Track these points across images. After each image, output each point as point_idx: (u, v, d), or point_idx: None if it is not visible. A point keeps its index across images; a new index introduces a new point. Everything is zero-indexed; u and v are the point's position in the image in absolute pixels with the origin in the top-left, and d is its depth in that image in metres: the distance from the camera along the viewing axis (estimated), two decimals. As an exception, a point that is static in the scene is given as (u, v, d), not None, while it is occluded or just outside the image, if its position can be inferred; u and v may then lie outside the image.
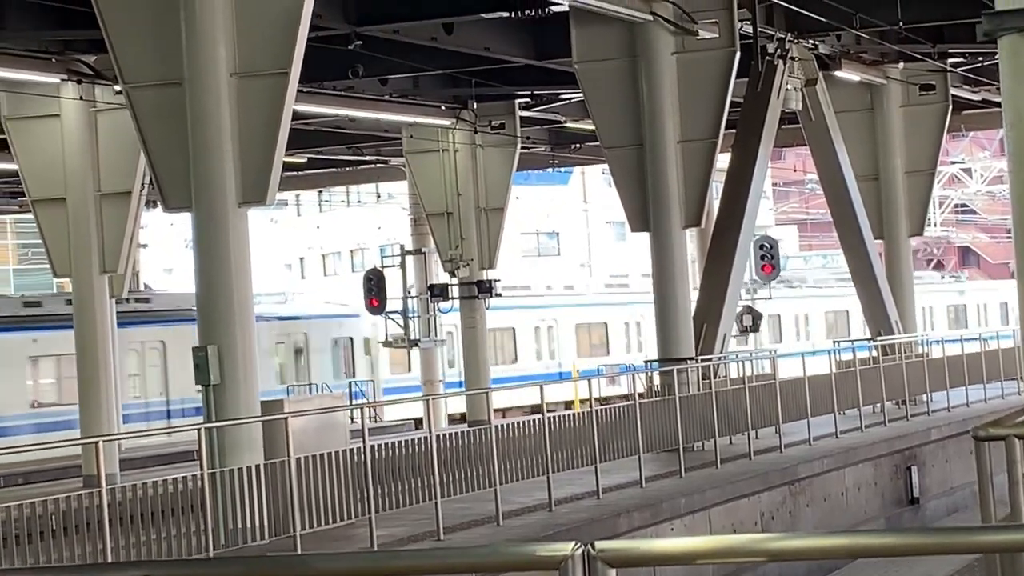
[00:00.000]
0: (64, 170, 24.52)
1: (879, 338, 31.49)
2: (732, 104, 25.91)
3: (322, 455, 15.51)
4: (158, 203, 22.94)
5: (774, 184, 78.43)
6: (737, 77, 25.50)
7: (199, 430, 14.42)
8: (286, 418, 15.32)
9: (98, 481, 12.77)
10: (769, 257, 37.71)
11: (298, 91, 17.87)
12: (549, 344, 49.99)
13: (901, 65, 32.93)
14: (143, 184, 24.86)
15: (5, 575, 5.89)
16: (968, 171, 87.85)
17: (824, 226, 73.25)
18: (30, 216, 28.49)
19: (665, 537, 16.99)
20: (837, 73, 31.05)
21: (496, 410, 32.12)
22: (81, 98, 24.24)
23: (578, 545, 3.97)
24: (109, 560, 12.09)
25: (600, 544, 3.98)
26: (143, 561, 4.86)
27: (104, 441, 13.67)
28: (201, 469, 13.90)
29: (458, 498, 17.24)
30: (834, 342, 34.43)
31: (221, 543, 14.15)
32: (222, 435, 16.54)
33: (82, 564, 10.20)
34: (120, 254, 24.69)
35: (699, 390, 23.98)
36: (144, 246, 47.94)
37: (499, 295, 35.15)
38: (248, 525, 14.48)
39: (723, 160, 28.34)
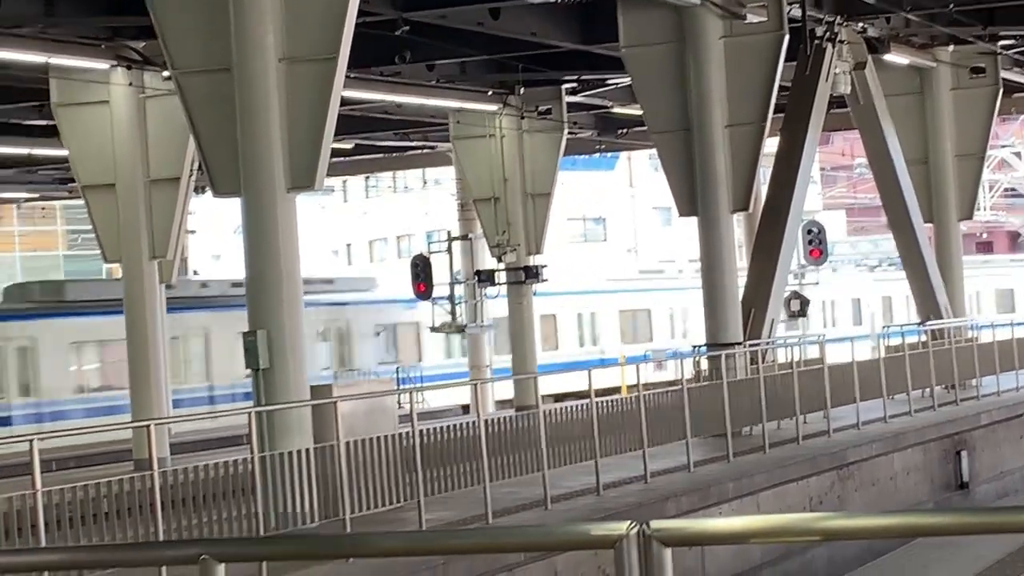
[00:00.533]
0: (113, 156, 24.62)
1: (928, 322, 31.36)
2: (780, 88, 25.83)
3: (371, 439, 15.56)
4: (207, 189, 23.06)
5: (822, 168, 78.08)
6: (785, 61, 25.41)
7: (249, 414, 14.48)
8: (335, 402, 15.36)
9: (150, 464, 12.85)
10: (817, 242, 37.56)
11: (345, 77, 17.91)
12: (592, 330, 49.90)
13: (951, 48, 32.73)
14: (192, 170, 24.95)
15: (67, 552, 5.93)
16: (1018, 154, 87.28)
17: (872, 210, 72.93)
18: (80, 202, 28.63)
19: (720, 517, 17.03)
20: (886, 56, 30.89)
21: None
22: (130, 84, 24.34)
23: (634, 524, 3.98)
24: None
25: (655, 523, 3.99)
26: (199, 540, 4.90)
27: (155, 425, 13.74)
28: (251, 453, 13.96)
29: (506, 482, 17.27)
30: (883, 327, 34.29)
31: (272, 526, 14.21)
32: (271, 419, 16.62)
33: (139, 542, 10.27)
34: (169, 240, 24.79)
35: (747, 375, 23.94)
36: (193, 232, 48.14)
37: (545, 280, 35.13)
38: (298, 508, 14.54)
39: (771, 144, 28.23)
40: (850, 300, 58.48)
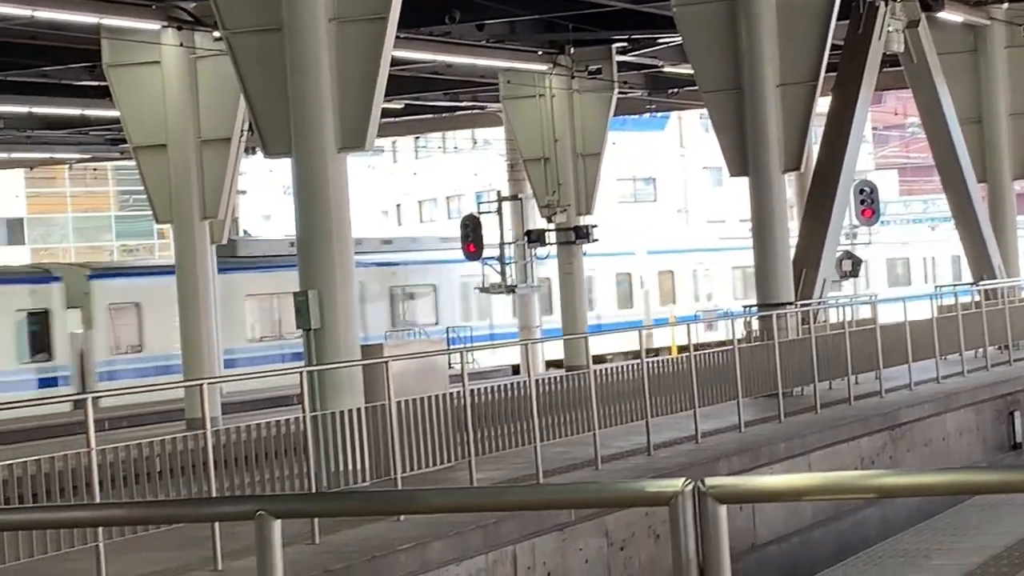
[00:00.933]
0: (165, 117, 24.70)
1: (981, 282, 31.18)
2: (832, 47, 25.65)
3: (422, 399, 15.60)
4: (257, 149, 23.12)
5: (874, 128, 77.67)
6: (838, 19, 25.24)
7: (301, 373, 14.53)
8: (386, 362, 15.40)
9: (203, 423, 12.92)
10: (869, 202, 37.36)
11: (396, 37, 17.90)
12: (630, 292, 49.78)
13: (1005, 5, 32.44)
14: (242, 130, 25.00)
15: (126, 507, 5.98)
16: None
17: (925, 170, 72.48)
18: (132, 163, 28.74)
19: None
20: (939, 14, 30.65)
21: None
22: (181, 45, 24.39)
23: (689, 481, 3.97)
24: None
25: (710, 480, 3.99)
26: (255, 496, 4.92)
27: (208, 384, 13.81)
28: (303, 412, 14.01)
29: (557, 442, 17.29)
30: (935, 287, 34.13)
31: (323, 485, 14.27)
32: (323, 379, 16.68)
33: (196, 498, 10.35)
34: (220, 200, 24.86)
35: (798, 335, 23.87)
36: (243, 192, 48.29)
37: (596, 241, 35.09)
38: (349, 467, 14.59)
39: (823, 104, 28.07)
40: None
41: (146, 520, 5.39)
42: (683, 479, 3.98)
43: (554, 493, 4.19)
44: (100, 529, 11.05)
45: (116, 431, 25.82)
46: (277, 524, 4.17)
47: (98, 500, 11.67)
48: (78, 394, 24.99)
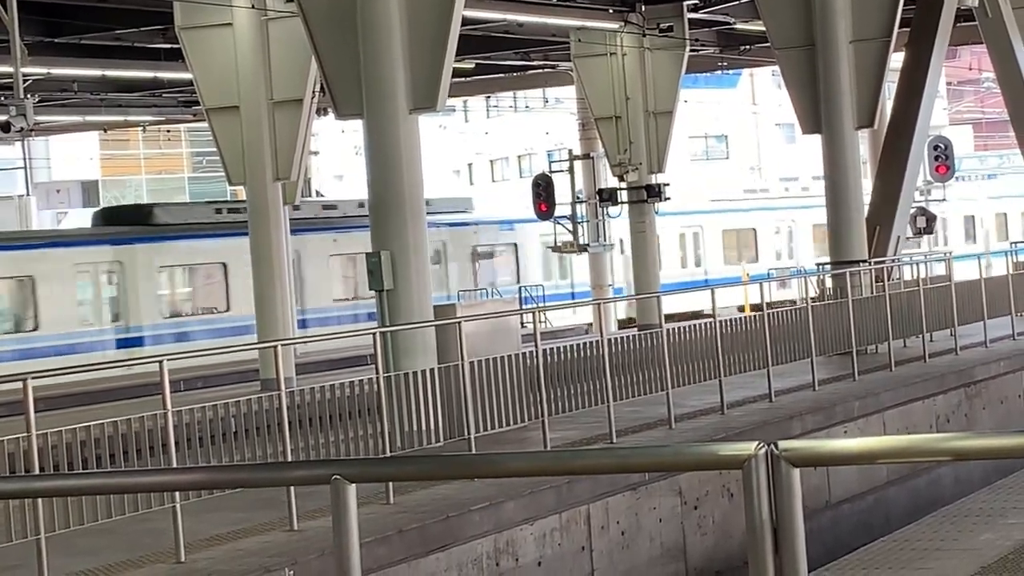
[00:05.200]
0: (237, 78, 24.79)
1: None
2: (906, 2, 25.42)
3: (494, 359, 15.63)
4: (329, 110, 23.15)
5: (948, 83, 76.94)
6: (911, -26, 25.03)
7: (374, 334, 14.59)
8: (459, 322, 15.44)
9: (277, 384, 13.00)
10: (943, 158, 37.08)
11: (467, -4, 17.89)
12: (695, 251, 49.58)
13: (1082, -42, 32.05)
14: (314, 91, 25.07)
15: (204, 471, 6.04)
16: None
17: (1000, 125, 71.76)
18: (204, 125, 28.88)
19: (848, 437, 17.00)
20: (1014, -32, 30.31)
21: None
22: (253, 7, 24.46)
23: (762, 445, 3.97)
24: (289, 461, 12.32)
25: (784, 444, 3.99)
26: (331, 460, 4.97)
27: (282, 345, 13.89)
28: (376, 373, 14.07)
29: (630, 402, 17.30)
30: (1011, 243, 33.83)
31: (397, 445, 14.35)
32: (396, 340, 16.75)
33: (272, 463, 10.42)
34: (292, 161, 24.94)
35: (872, 293, 23.75)
36: (315, 153, 48.43)
37: (668, 199, 34.97)
38: (423, 428, 14.66)
39: (896, 59, 27.84)
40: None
41: (224, 484, 5.44)
42: (756, 442, 3.98)
43: (628, 456, 4.21)
44: (178, 491, 11.16)
45: (192, 391, 26.06)
46: (352, 488, 4.21)
47: (174, 461, 11.78)
48: (153, 357, 25.18)
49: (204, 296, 35.50)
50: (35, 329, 31.99)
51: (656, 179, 34.15)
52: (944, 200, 48.62)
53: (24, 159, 53.72)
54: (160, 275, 34.64)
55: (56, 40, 30.33)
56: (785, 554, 3.96)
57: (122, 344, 33.22)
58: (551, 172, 39.80)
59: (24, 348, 31.28)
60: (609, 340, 16.98)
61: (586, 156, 38.90)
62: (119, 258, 33.52)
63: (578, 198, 38.41)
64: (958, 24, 29.10)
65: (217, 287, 35.31)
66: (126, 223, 34.86)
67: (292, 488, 12.40)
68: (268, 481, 4.61)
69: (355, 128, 18.69)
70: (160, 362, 12.15)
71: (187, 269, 35.18)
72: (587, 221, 37.77)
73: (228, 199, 47.11)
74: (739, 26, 36.33)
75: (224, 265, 34.93)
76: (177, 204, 44.27)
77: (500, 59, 38.57)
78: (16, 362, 29.22)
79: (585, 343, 17.10)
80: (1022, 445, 4.15)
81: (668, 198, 34.87)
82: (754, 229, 51.27)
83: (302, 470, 4.71)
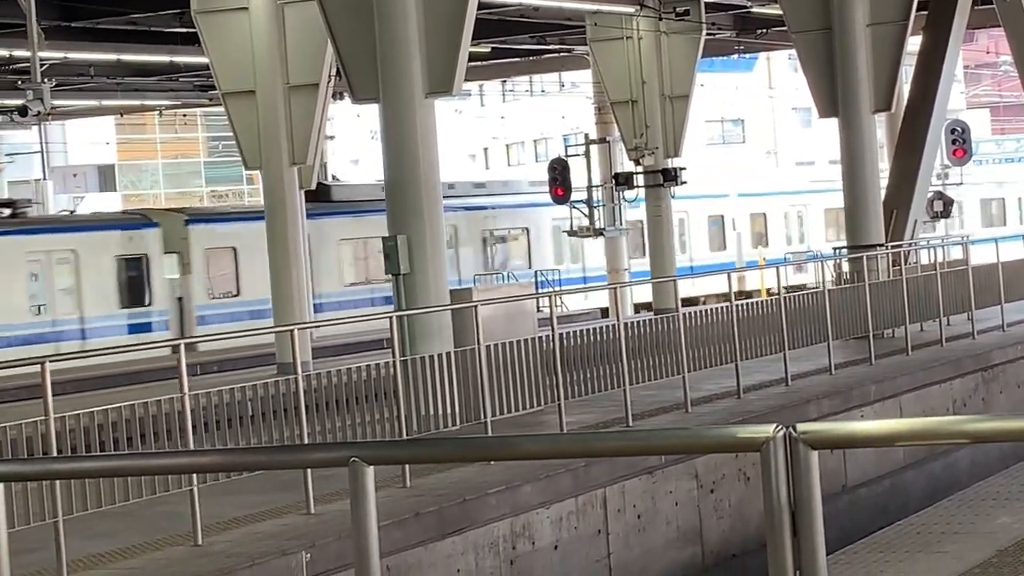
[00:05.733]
0: (253, 63, 24.80)
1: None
2: (923, -15, 25.36)
3: (511, 342, 15.63)
4: (345, 95, 23.16)
5: (966, 67, 76.73)
6: (928, -43, 24.96)
7: (391, 318, 14.60)
8: (475, 306, 15.45)
9: (294, 368, 13.01)
10: (961, 141, 37.00)
11: (483, -20, 17.87)
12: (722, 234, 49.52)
13: (1100, -59, 31.92)
14: (330, 75, 25.06)
15: (222, 454, 6.05)
16: None
17: (1018, 109, 71.61)
18: (220, 109, 28.90)
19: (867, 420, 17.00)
20: (1032, -49, 30.21)
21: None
22: (269, -9, 24.46)
23: (780, 427, 3.97)
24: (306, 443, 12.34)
25: (802, 426, 3.98)
26: (349, 443, 4.98)
27: (299, 329, 13.90)
28: (393, 356, 14.08)
29: (646, 385, 17.29)
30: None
31: (413, 429, 14.37)
32: (412, 324, 16.75)
33: (291, 445, 10.44)
34: (308, 146, 24.95)
35: (889, 277, 23.71)
36: (331, 138, 48.43)
37: (684, 183, 34.94)
38: (439, 411, 14.67)
39: (914, 43, 27.77)
40: None
41: (242, 467, 5.45)
42: (774, 425, 3.98)
43: (645, 439, 4.20)
44: (195, 474, 11.19)
45: (208, 375, 26.10)
46: (370, 471, 4.21)
47: (192, 444, 11.81)
48: (172, 340, 25.24)
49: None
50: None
51: (672, 163, 34.11)
52: (961, 184, 48.54)
53: (41, 143, 53.80)
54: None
55: (72, 24, 30.36)
56: (803, 537, 3.96)
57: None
58: (567, 156, 39.79)
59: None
60: (625, 324, 16.98)
61: (602, 140, 38.87)
62: None
63: (594, 183, 38.39)
64: (975, 7, 29.02)
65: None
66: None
67: (309, 471, 12.42)
68: (286, 463, 4.61)
69: (371, 112, 18.67)
70: (177, 346, 12.16)
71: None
72: (603, 205, 37.75)
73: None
74: (755, 9, 36.27)
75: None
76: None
77: (516, 43, 38.55)
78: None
79: (601, 327, 17.10)
80: (1040, 428, 4.14)
81: (684, 182, 34.84)
82: (764, 214, 51.14)
83: (320, 452, 4.71)
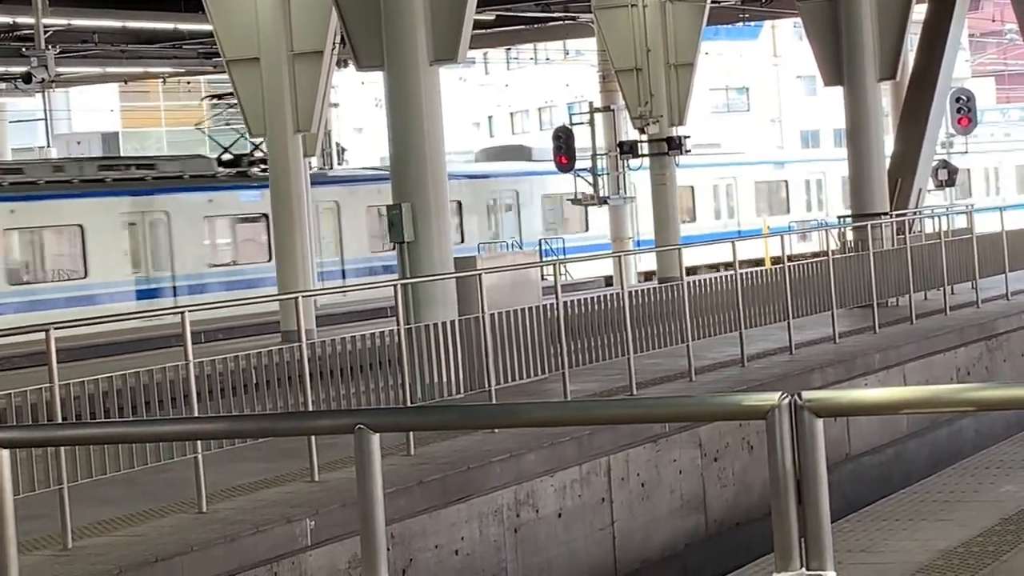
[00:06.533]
0: (257, 30, 24.73)
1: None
2: (929, -47, 25.29)
3: (515, 311, 15.63)
4: (349, 62, 23.11)
5: (971, 35, 76.54)
6: (934, -75, 24.87)
7: (395, 286, 14.60)
8: (479, 274, 15.44)
9: (298, 336, 13.02)
10: (966, 110, 36.94)
11: (488, -53, 17.82)
12: (728, 203, 49.46)
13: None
14: (334, 43, 25.00)
15: (230, 420, 6.06)
16: None
17: (1023, 77, 71.39)
18: (225, 77, 28.84)
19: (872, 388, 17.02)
20: (1039, -81, 30.10)
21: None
22: (273, -42, 24.38)
23: (785, 395, 3.97)
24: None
25: (807, 394, 3.98)
26: (354, 410, 4.98)
27: (303, 297, 13.91)
28: (397, 324, 14.09)
29: (650, 354, 17.31)
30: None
31: (418, 397, 14.38)
32: (417, 292, 16.75)
33: (296, 412, 10.45)
34: (313, 114, 24.90)
35: (894, 245, 23.70)
36: (336, 105, 48.37)
37: (689, 151, 34.87)
38: (444, 379, 14.68)
39: (919, 11, 27.69)
40: None
41: (248, 434, 5.45)
42: (779, 392, 3.98)
43: (651, 407, 4.20)
44: (199, 441, 11.20)
45: (213, 343, 26.10)
46: (376, 438, 4.21)
47: (196, 412, 11.82)
48: (175, 308, 25.22)
49: None
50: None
51: (677, 131, 34.04)
52: (966, 152, 48.45)
53: (45, 110, 53.73)
54: None
55: (76, -9, 30.32)
56: (808, 505, 3.96)
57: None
58: (571, 124, 39.72)
59: None
60: (630, 292, 16.98)
61: (607, 108, 38.82)
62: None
63: (598, 151, 38.34)
64: (981, -25, 28.94)
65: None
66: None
67: (313, 439, 12.44)
68: (292, 430, 4.62)
69: (375, 80, 18.63)
70: (182, 313, 12.17)
71: None
72: (607, 174, 37.70)
73: None
74: (761, -23, 36.17)
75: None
76: None
77: (521, 10, 38.47)
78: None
79: (605, 295, 17.10)
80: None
81: (689, 151, 34.78)
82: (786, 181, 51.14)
83: (326, 420, 4.71)
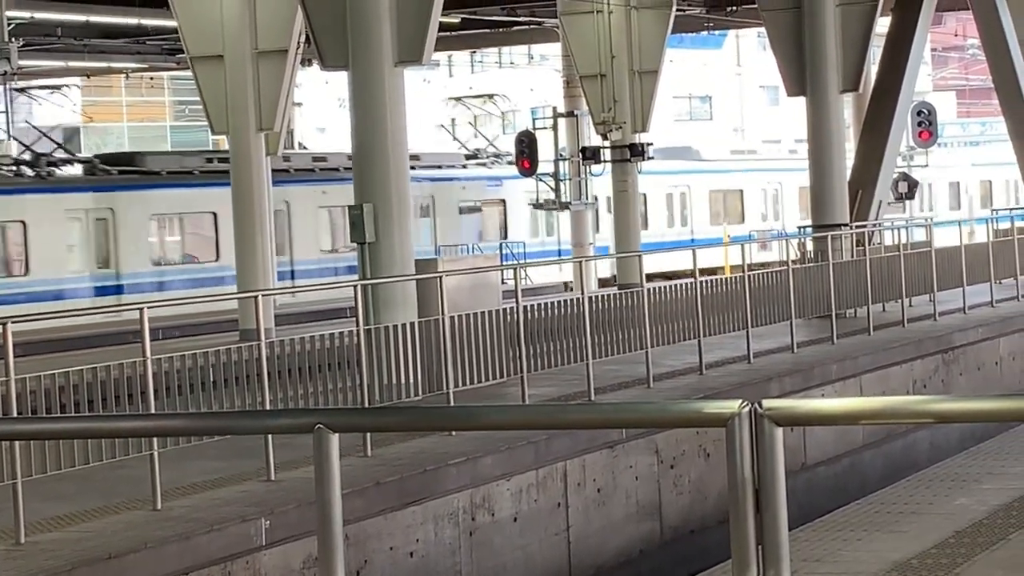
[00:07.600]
0: (222, 27, 24.67)
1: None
2: (894, -34, 25.41)
3: (475, 314, 15.63)
4: (313, 61, 23.06)
5: (933, 49, 76.91)
6: (900, -62, 24.99)
7: (355, 287, 14.57)
8: (440, 277, 15.43)
9: (257, 334, 12.99)
10: (927, 123, 37.09)
11: (455, -50, 17.81)
12: (681, 211, 49.48)
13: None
14: (299, 42, 24.95)
15: (186, 418, 6.03)
16: None
17: (984, 92, 71.72)
18: (188, 73, 28.75)
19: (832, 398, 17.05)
20: (1003, -65, 30.28)
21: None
22: (239, -44, 24.32)
23: (745, 403, 3.98)
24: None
25: (767, 403, 3.99)
26: (314, 409, 4.97)
27: (263, 295, 13.87)
28: (357, 325, 14.07)
29: (609, 360, 17.32)
30: (992, 211, 33.92)
31: (376, 398, 14.35)
32: (377, 293, 16.73)
33: (255, 411, 10.42)
34: (276, 112, 24.85)
35: (853, 257, 23.78)
36: (299, 104, 48.25)
37: (651, 158, 34.91)
38: (402, 381, 14.66)
39: (883, 24, 27.80)
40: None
41: (206, 431, 5.43)
42: (740, 401, 3.99)
43: (611, 412, 4.20)
44: (155, 438, 11.16)
45: (171, 340, 25.99)
46: (335, 438, 4.20)
47: (153, 408, 11.77)
48: (134, 304, 25.12)
49: None
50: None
51: (640, 138, 34.09)
52: (926, 166, 48.65)
53: (6, 104, 53.42)
54: None
55: (40, -16, 30.19)
56: (766, 512, 3.97)
57: None
58: (535, 129, 39.73)
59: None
60: (590, 298, 16.99)
61: (570, 114, 38.83)
62: None
63: (561, 156, 38.36)
64: (945, -10, 29.09)
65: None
66: None
67: (270, 438, 12.41)
68: (250, 429, 4.60)
69: (340, 80, 18.61)
70: (140, 310, 12.11)
71: None
72: (569, 179, 37.72)
73: None
74: (726, -13, 36.24)
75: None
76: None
77: (486, 14, 38.47)
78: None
79: (565, 300, 17.11)
80: (1003, 409, 4.16)
81: (651, 157, 34.82)
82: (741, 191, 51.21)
83: (284, 419, 4.70)
